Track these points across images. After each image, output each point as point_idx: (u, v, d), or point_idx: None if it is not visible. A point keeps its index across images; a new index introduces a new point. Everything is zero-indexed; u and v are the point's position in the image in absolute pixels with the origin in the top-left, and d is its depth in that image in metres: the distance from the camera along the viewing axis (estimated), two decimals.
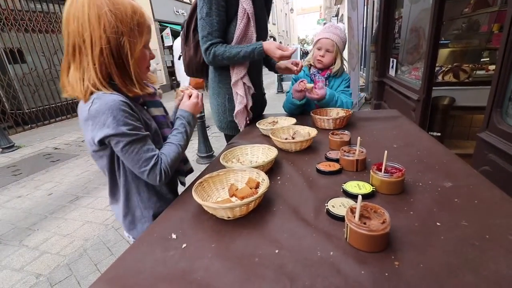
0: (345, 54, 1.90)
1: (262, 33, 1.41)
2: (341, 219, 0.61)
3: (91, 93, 0.69)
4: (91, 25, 0.66)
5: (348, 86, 1.60)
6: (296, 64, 1.38)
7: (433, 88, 2.36)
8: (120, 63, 0.71)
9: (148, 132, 0.77)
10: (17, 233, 2.28)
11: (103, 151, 0.75)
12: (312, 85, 1.41)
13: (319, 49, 1.51)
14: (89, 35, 0.66)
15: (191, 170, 1.00)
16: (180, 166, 0.95)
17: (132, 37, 0.71)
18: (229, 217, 0.64)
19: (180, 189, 0.96)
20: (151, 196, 0.85)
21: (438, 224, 0.58)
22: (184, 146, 0.86)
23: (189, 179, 0.93)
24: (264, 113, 1.73)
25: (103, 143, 0.71)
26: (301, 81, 1.41)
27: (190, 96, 0.94)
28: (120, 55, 0.71)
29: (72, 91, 0.70)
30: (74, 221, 2.40)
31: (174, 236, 0.61)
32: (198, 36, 1.30)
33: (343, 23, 1.81)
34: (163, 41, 10.89)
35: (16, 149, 4.62)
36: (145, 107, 0.85)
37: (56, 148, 4.62)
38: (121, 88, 0.73)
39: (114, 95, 0.70)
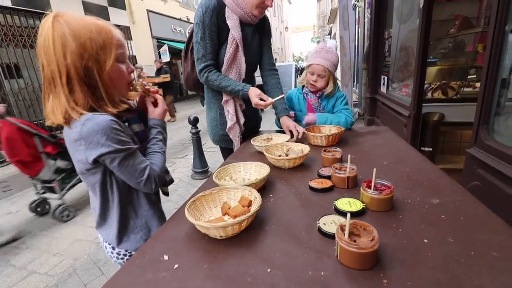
0: (338, 71, 1.96)
1: (253, 57, 1.49)
2: (332, 236, 0.62)
3: (69, 120, 0.72)
4: (57, 56, 0.68)
5: (346, 103, 1.65)
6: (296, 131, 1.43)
7: (423, 104, 2.44)
8: (93, 85, 0.74)
9: (137, 145, 0.82)
10: (4, 252, 2.22)
11: (96, 169, 0.77)
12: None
13: (311, 73, 1.56)
14: (57, 65, 0.69)
15: (171, 181, 1.02)
16: (167, 178, 0.98)
17: (98, 58, 0.72)
18: (221, 236, 0.65)
19: (169, 203, 0.97)
20: (143, 204, 0.89)
21: (425, 241, 0.60)
22: (164, 152, 0.92)
23: (180, 196, 0.94)
24: (260, 128, 1.78)
25: (97, 161, 0.74)
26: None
27: (155, 103, 0.96)
28: (90, 78, 0.73)
29: (53, 119, 0.72)
30: (64, 239, 2.34)
31: (166, 257, 0.61)
32: (194, 56, 1.41)
33: (335, 40, 1.86)
34: (160, 57, 11.08)
35: (7, 164, 4.55)
36: (127, 123, 0.87)
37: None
38: (98, 110, 0.75)
39: (104, 115, 0.73)
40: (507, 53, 1.37)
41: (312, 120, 1.55)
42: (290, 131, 1.44)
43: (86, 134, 0.70)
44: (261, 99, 1.35)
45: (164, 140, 0.93)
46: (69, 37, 0.69)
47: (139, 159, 0.80)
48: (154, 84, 6.84)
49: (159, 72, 7.42)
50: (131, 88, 0.87)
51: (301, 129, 1.42)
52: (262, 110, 1.58)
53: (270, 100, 1.35)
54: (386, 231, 0.63)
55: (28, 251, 2.21)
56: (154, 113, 0.94)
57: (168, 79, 7.25)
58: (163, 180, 0.90)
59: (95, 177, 0.79)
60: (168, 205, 2.66)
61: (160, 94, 0.99)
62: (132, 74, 0.84)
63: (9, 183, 3.76)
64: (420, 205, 0.73)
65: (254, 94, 1.36)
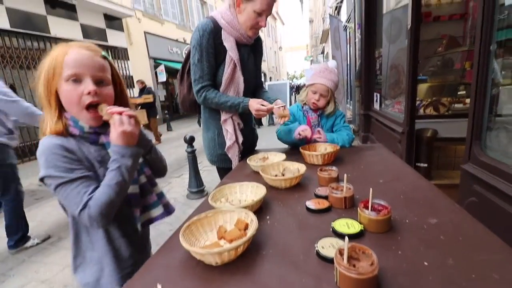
0: None
1: (250, 75, 1.53)
2: (330, 261, 0.61)
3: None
4: (36, 84, 0.78)
5: (345, 121, 1.68)
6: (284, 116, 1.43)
7: (416, 121, 2.48)
8: (52, 107, 0.78)
9: (85, 173, 0.75)
10: None
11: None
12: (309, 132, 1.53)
13: (314, 92, 1.59)
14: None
15: (156, 218, 0.94)
16: (134, 212, 0.87)
17: (50, 76, 0.76)
18: (217, 263, 0.63)
19: (164, 224, 0.93)
20: (100, 238, 0.83)
21: (425, 263, 0.59)
22: (120, 184, 0.75)
23: (176, 217, 0.91)
24: (256, 146, 1.78)
25: (44, 183, 0.75)
26: (304, 130, 1.51)
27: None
28: (49, 100, 0.77)
29: None
30: (54, 265, 2.25)
31: (159, 286, 0.59)
32: (191, 78, 1.43)
33: (335, 61, 1.91)
34: (157, 77, 11.25)
35: None
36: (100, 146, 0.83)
37: (40, 185, 4.47)
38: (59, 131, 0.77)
39: (52, 138, 0.76)
40: (493, 71, 1.42)
41: (323, 140, 1.51)
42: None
43: (37, 155, 0.74)
44: (262, 105, 1.37)
45: (118, 170, 0.75)
46: (42, 65, 0.76)
47: (77, 190, 0.72)
48: (137, 105, 6.57)
49: (141, 92, 7.11)
50: (88, 109, 0.78)
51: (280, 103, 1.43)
52: (259, 126, 1.59)
53: (270, 105, 1.37)
54: (385, 254, 0.62)
55: (16, 278, 2.11)
56: (112, 137, 0.77)
57: (151, 99, 6.84)
58: (102, 220, 0.73)
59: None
60: (163, 226, 2.60)
61: (134, 117, 0.79)
62: (91, 96, 0.76)
63: None
64: (418, 225, 0.73)
65: (255, 102, 1.38)
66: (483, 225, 0.71)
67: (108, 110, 0.77)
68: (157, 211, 0.94)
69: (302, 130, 1.52)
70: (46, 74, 0.76)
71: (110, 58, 0.85)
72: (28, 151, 6.14)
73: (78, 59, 0.75)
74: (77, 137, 0.80)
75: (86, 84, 0.76)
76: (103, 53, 0.83)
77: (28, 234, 2.54)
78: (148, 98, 6.80)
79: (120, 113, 0.77)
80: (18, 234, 2.44)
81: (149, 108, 6.81)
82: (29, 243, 2.52)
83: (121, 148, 0.76)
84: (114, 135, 0.76)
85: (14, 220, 2.42)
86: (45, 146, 0.74)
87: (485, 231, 0.68)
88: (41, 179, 0.74)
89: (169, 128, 9.91)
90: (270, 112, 1.40)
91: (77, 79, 0.75)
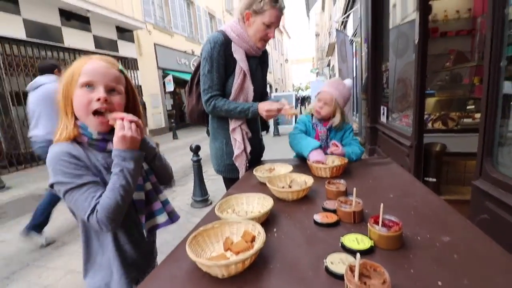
0: None
1: (258, 85, 1.56)
2: (340, 277, 0.59)
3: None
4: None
5: (354, 135, 1.67)
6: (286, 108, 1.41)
7: (424, 135, 2.45)
8: (67, 115, 0.82)
9: (93, 179, 0.77)
10: None
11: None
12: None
13: (319, 100, 1.60)
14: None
15: (161, 225, 0.95)
16: (140, 218, 0.89)
17: (66, 88, 0.80)
18: (223, 276, 0.62)
19: (167, 233, 0.93)
20: (109, 242, 0.84)
21: (439, 283, 0.56)
22: (124, 187, 0.76)
23: (179, 225, 0.91)
24: (262, 157, 1.78)
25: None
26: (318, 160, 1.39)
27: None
28: (67, 109, 0.81)
29: None
30: (57, 270, 2.24)
31: None
32: (200, 89, 1.46)
33: (350, 80, 1.89)
34: (164, 87, 11.46)
35: (6, 190, 4.50)
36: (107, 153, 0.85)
37: (46, 190, 4.51)
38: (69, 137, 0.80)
39: (60, 145, 0.78)
40: (504, 87, 1.41)
41: (340, 153, 1.47)
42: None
43: (46, 162, 0.77)
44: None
45: (122, 173, 0.76)
46: (64, 74, 0.81)
47: (85, 195, 0.74)
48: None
49: None
50: (94, 115, 0.81)
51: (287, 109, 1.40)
52: (267, 132, 1.58)
53: (279, 105, 1.38)
54: (397, 272, 0.60)
55: (18, 283, 2.10)
56: (114, 141, 0.79)
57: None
58: (110, 224, 0.75)
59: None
60: (167, 235, 2.58)
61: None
62: (100, 102, 0.79)
63: (5, 209, 3.70)
64: (430, 243, 0.71)
65: (264, 104, 1.39)
66: (498, 244, 0.68)
67: (112, 115, 0.80)
68: (162, 218, 0.95)
69: (316, 159, 1.39)
70: (65, 82, 0.80)
71: (126, 72, 0.90)
72: (36, 157, 6.23)
73: (94, 68, 0.80)
74: (86, 145, 0.83)
75: (98, 91, 0.79)
76: (120, 67, 0.88)
77: (43, 231, 2.63)
78: None
79: (122, 119, 0.79)
80: (38, 220, 2.57)
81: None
82: (39, 238, 2.60)
83: (122, 151, 0.78)
84: (115, 139, 0.78)
85: (44, 206, 2.60)
86: (54, 153, 0.76)
87: (501, 251, 0.66)
88: (51, 185, 0.76)
89: (175, 137, 10.00)
90: (277, 118, 1.41)
91: (90, 86, 0.79)
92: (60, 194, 0.76)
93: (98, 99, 0.78)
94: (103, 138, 0.84)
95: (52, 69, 2.66)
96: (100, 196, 0.75)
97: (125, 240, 0.87)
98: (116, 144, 0.78)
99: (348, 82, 1.62)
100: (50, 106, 2.42)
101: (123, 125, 0.78)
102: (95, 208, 0.74)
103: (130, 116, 0.80)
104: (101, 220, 0.73)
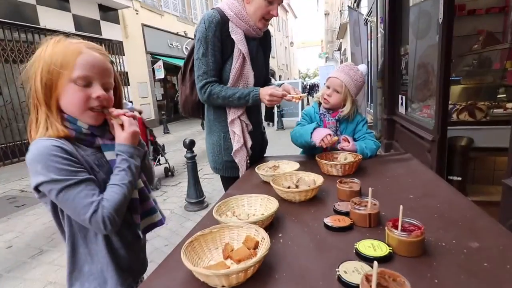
0: None
1: (260, 70, 1.55)
2: None
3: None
4: (29, 76, 0.78)
5: (368, 127, 1.66)
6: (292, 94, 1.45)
7: (448, 127, 2.44)
8: (49, 105, 0.79)
9: (88, 176, 0.79)
10: None
11: (45, 198, 0.80)
12: (336, 138, 1.47)
13: (328, 87, 1.58)
14: (29, 86, 0.79)
15: (157, 224, 1.00)
16: (135, 219, 0.92)
17: (53, 76, 0.77)
18: (223, 286, 0.62)
19: (159, 238, 0.94)
20: (100, 248, 0.85)
21: None
22: (130, 184, 0.83)
23: (171, 231, 0.91)
24: (265, 153, 1.78)
25: (39, 191, 0.76)
26: (327, 136, 1.43)
27: (122, 126, 0.88)
28: (48, 97, 0.79)
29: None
30: (35, 281, 2.26)
31: None
32: (194, 76, 1.45)
33: (365, 65, 1.88)
34: (154, 74, 11.42)
35: None
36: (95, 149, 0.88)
37: (22, 191, 4.54)
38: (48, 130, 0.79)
39: (47, 140, 0.76)
40: None
41: (351, 149, 1.48)
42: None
43: (29, 161, 0.74)
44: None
45: (129, 170, 0.83)
46: (42, 58, 0.77)
47: (84, 192, 0.75)
48: None
49: None
50: (92, 113, 0.84)
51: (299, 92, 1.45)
52: (271, 124, 1.59)
53: (282, 91, 1.40)
54: (419, 282, 0.60)
55: None
56: (120, 137, 0.86)
57: None
58: (116, 221, 0.79)
59: (48, 207, 0.81)
60: (157, 241, 2.60)
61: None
62: (100, 100, 0.82)
63: None
64: (457, 250, 0.70)
65: (266, 89, 1.39)
66: None
67: (113, 112, 0.85)
68: (157, 216, 1.00)
69: (325, 136, 1.43)
70: (48, 71, 0.77)
71: (114, 63, 0.91)
72: (10, 153, 6.26)
73: (90, 62, 0.80)
74: (73, 140, 0.82)
75: (95, 88, 0.82)
76: (111, 58, 0.90)
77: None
78: None
79: (124, 115, 0.86)
80: None
81: None
82: None
83: (130, 147, 0.85)
84: (124, 136, 0.85)
85: None
86: (41, 149, 0.74)
87: None
88: (37, 186, 0.74)
89: (166, 131, 10.02)
90: (281, 110, 1.42)
91: (87, 82, 0.80)
92: (52, 194, 0.74)
93: (97, 97, 0.81)
94: (92, 132, 0.85)
95: None
96: (100, 193, 0.78)
97: (119, 244, 0.88)
98: (125, 139, 0.85)
99: (362, 67, 1.60)
100: None
101: (130, 121, 0.86)
102: (99, 204, 0.76)
103: (129, 112, 0.86)
104: (108, 217, 0.76)
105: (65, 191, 0.73)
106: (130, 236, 0.93)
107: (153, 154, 4.38)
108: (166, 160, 4.68)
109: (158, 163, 4.54)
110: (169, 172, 4.85)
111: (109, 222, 0.76)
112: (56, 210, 0.82)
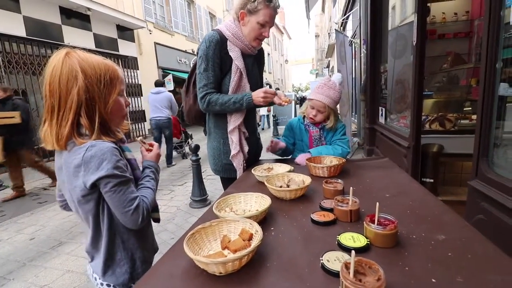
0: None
1: (255, 83, 1.57)
2: (336, 274, 0.59)
3: (66, 144, 0.78)
4: (61, 88, 0.76)
5: (344, 134, 1.67)
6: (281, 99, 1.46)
7: (422, 135, 2.46)
8: (93, 116, 0.80)
9: (132, 176, 0.86)
10: None
11: (92, 195, 0.80)
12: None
13: (312, 107, 1.61)
14: (58, 97, 0.76)
15: (156, 220, 1.04)
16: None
17: (103, 93, 0.81)
18: (220, 273, 0.62)
19: (166, 232, 0.96)
20: (130, 236, 0.90)
21: (433, 280, 0.57)
22: (156, 189, 0.97)
23: (177, 225, 0.92)
24: (260, 157, 1.78)
25: (94, 185, 0.77)
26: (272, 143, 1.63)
27: (149, 149, 1.06)
28: (93, 110, 0.80)
29: (45, 144, 0.80)
30: (54, 270, 2.23)
31: None
32: (197, 89, 1.46)
33: (340, 73, 1.90)
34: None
35: (3, 189, 4.49)
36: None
37: (45, 189, 4.50)
38: (99, 137, 0.80)
39: (107, 142, 0.80)
40: (499, 88, 1.42)
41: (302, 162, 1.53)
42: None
43: (88, 159, 0.75)
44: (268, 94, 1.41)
45: (155, 180, 0.98)
46: (78, 73, 0.76)
47: (131, 189, 0.83)
48: None
49: (3, 105, 3.73)
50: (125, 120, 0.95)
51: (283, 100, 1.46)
52: (263, 127, 1.62)
53: (273, 90, 1.44)
54: (392, 269, 0.61)
55: (15, 282, 2.09)
56: (147, 156, 1.03)
57: (16, 119, 3.72)
58: (148, 216, 0.89)
59: (89, 205, 0.82)
60: (165, 234, 2.58)
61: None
62: (127, 107, 0.92)
63: (2, 208, 3.68)
64: (425, 242, 0.71)
65: (258, 91, 1.42)
66: (493, 244, 0.69)
67: (145, 142, 1.06)
68: (158, 214, 1.04)
69: (275, 142, 1.65)
70: (101, 83, 0.80)
71: None
72: (36, 155, 6.21)
73: (122, 76, 0.89)
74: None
75: (125, 97, 0.91)
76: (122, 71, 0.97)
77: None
78: (11, 116, 3.70)
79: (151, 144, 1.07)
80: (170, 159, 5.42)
81: (15, 133, 3.74)
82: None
83: (155, 164, 1.03)
84: (152, 155, 1.03)
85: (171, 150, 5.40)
86: (105, 149, 0.77)
87: (496, 251, 0.66)
88: (99, 179, 0.75)
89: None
90: (276, 118, 1.44)
91: (123, 94, 0.89)
92: (106, 187, 0.77)
93: (127, 105, 0.92)
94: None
95: (162, 83, 5.82)
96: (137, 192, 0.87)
97: (143, 230, 0.95)
98: (152, 158, 1.03)
99: (336, 78, 1.62)
100: (166, 103, 5.19)
101: (157, 145, 1.07)
102: (141, 200, 0.84)
103: (154, 143, 1.08)
104: (146, 211, 0.85)
105: (119, 186, 0.79)
106: (147, 223, 1.00)
107: (185, 138, 6.04)
108: (190, 144, 4.88)
109: (188, 145, 5.86)
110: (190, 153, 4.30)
111: (146, 215, 0.84)
112: (98, 205, 0.82)
